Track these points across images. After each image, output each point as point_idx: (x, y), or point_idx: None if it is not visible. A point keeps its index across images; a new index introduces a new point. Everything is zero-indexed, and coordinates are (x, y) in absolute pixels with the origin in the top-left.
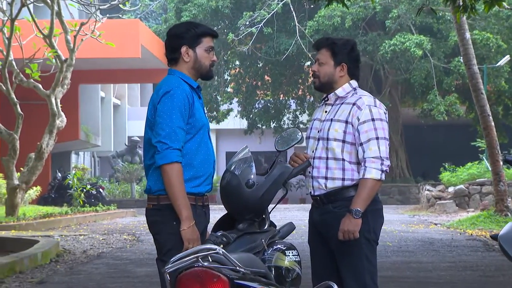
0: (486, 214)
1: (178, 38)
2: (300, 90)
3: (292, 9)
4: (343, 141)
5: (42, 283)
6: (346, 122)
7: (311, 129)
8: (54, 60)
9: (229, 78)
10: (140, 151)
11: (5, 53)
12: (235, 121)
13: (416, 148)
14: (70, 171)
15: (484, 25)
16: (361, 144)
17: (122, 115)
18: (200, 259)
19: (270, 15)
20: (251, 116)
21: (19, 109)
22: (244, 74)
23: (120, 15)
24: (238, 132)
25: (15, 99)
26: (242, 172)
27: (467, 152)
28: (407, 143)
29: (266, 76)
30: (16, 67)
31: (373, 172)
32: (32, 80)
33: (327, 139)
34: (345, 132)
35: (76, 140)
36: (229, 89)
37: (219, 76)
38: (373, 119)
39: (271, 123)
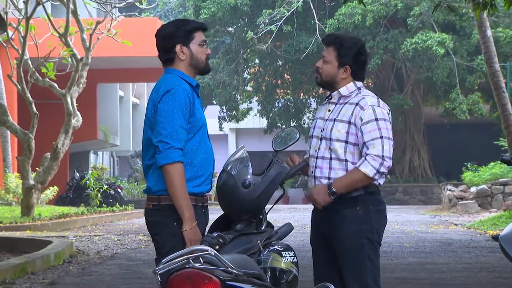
0: (508, 215)
1: (170, 38)
2: (321, 89)
3: (312, 6)
4: (346, 142)
5: (52, 284)
6: (349, 122)
7: (314, 128)
8: (69, 59)
9: (248, 76)
10: None
11: (20, 52)
12: (254, 120)
13: (439, 148)
14: (88, 171)
15: (508, 22)
16: (364, 143)
17: (141, 115)
18: (191, 261)
19: (289, 13)
20: (271, 115)
21: (34, 109)
22: (264, 73)
23: (137, 14)
24: (258, 132)
25: (31, 99)
26: (239, 172)
27: (490, 152)
28: (430, 143)
29: (286, 75)
30: (31, 66)
31: (369, 168)
32: (47, 79)
33: (330, 139)
34: (348, 132)
35: (95, 139)
36: (248, 88)
37: (238, 74)
38: (376, 119)
39: (291, 122)
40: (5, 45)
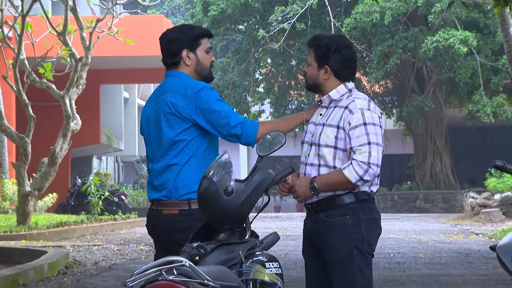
0: None
1: (177, 43)
2: None
3: (327, 3)
4: (335, 148)
5: None
6: (338, 127)
7: (305, 133)
8: (68, 59)
9: (260, 77)
10: None
11: (16, 51)
12: None
13: (463, 152)
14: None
15: None
16: (351, 148)
17: None
18: (164, 272)
19: (303, 10)
20: None
21: (31, 111)
22: (276, 73)
23: (139, 11)
24: None
25: (27, 100)
26: (221, 178)
27: None
28: (453, 147)
29: (299, 75)
30: (28, 66)
31: (352, 174)
32: (45, 80)
33: (319, 145)
34: (336, 137)
35: (98, 144)
36: (260, 89)
37: (249, 75)
38: (365, 123)
39: (305, 125)
40: (0, 44)
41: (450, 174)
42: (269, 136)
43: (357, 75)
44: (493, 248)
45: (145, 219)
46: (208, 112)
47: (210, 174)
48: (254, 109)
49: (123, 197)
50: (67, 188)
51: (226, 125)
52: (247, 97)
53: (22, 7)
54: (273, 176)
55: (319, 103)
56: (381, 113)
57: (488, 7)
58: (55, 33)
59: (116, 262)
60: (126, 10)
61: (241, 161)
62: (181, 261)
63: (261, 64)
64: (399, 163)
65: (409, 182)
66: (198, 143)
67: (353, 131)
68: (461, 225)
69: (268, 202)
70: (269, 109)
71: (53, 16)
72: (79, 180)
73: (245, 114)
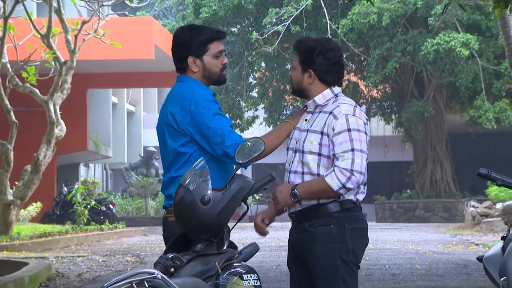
0: None
1: (183, 48)
2: None
3: (323, 4)
4: (319, 154)
5: None
6: (322, 133)
7: (290, 139)
8: (52, 63)
9: (254, 81)
10: (157, 163)
11: None
12: (260, 130)
13: (464, 160)
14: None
15: None
16: (334, 155)
17: (137, 123)
18: (134, 285)
19: (298, 12)
20: (278, 123)
21: (13, 117)
22: (270, 77)
23: (127, 13)
24: None
25: (9, 106)
26: (197, 187)
27: None
28: (454, 154)
29: None
30: (10, 70)
31: (334, 181)
32: (28, 85)
33: (303, 151)
34: (320, 144)
35: (84, 151)
36: (254, 94)
37: (242, 79)
38: (349, 129)
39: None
40: None
41: (451, 182)
42: (249, 143)
43: (355, 79)
44: (480, 259)
45: (133, 229)
46: (203, 128)
47: (187, 183)
48: (248, 114)
49: (111, 206)
50: (52, 197)
51: (220, 144)
52: (240, 102)
53: (4, 9)
54: (252, 184)
55: (305, 108)
56: (367, 119)
57: (490, 9)
58: (39, 36)
59: (100, 274)
60: (114, 12)
61: None
62: (153, 273)
63: (255, 68)
64: (398, 171)
65: (408, 191)
66: (201, 156)
67: (336, 137)
68: (461, 235)
69: (247, 211)
70: (263, 115)
71: (37, 18)
72: (65, 189)
73: (238, 120)
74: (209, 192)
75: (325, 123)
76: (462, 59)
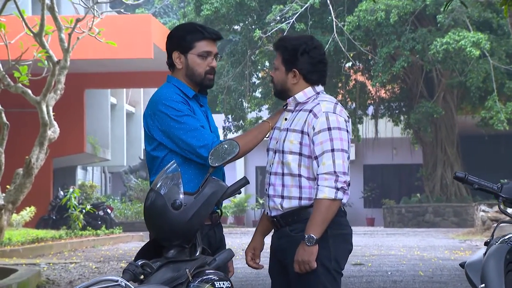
0: None
1: (171, 42)
2: (340, 95)
3: (328, 1)
4: (300, 154)
5: None
6: (302, 132)
7: (270, 139)
8: (45, 62)
9: (257, 81)
10: None
11: None
12: None
13: (475, 162)
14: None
15: None
16: (315, 157)
17: (136, 125)
18: None
19: (303, 9)
20: None
21: (4, 118)
22: None
23: (122, 10)
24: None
25: (0, 107)
26: (169, 191)
27: None
28: (465, 156)
29: None
30: (1, 70)
31: (326, 190)
32: (20, 85)
33: (283, 152)
34: (301, 143)
35: (82, 153)
36: (257, 94)
37: (245, 79)
38: (329, 128)
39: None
40: None
41: (462, 186)
42: (226, 146)
43: (362, 79)
44: (462, 265)
45: (130, 234)
46: (169, 132)
47: (157, 187)
48: (251, 115)
49: (108, 210)
50: (48, 201)
51: (190, 146)
52: (243, 102)
53: None
54: (225, 188)
55: (284, 107)
56: (348, 117)
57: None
58: (31, 34)
59: None
60: (112, 10)
61: (237, 162)
62: (116, 281)
63: (258, 67)
64: (407, 174)
65: (418, 194)
66: (173, 159)
67: (316, 136)
68: (470, 241)
69: (221, 215)
70: (266, 116)
71: (30, 16)
72: (62, 193)
73: (241, 121)
74: (180, 196)
75: (305, 122)
76: (473, 58)
